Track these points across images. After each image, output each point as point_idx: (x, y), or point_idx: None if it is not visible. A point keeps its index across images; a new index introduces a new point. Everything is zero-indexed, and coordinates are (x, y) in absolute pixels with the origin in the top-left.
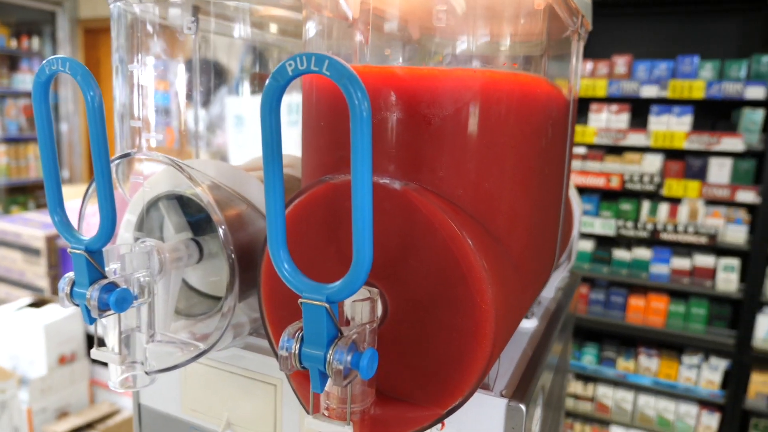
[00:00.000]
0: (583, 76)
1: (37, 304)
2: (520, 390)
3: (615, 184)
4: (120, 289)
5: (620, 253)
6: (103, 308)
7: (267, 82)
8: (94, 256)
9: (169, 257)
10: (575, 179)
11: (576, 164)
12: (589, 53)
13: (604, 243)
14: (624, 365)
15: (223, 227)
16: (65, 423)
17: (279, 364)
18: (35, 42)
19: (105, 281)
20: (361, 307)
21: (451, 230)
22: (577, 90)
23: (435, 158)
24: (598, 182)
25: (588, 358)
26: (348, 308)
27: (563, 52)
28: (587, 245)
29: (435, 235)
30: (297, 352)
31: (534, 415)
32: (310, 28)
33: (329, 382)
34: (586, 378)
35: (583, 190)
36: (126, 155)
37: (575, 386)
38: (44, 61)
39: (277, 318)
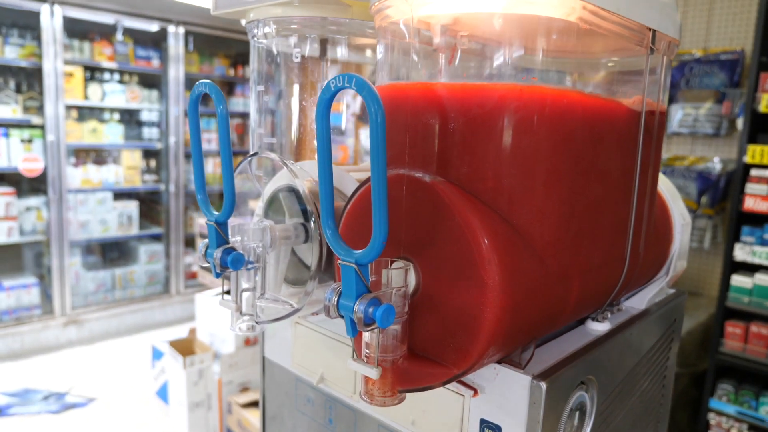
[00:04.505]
0: None
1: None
2: (548, 373)
3: None
4: (235, 253)
5: None
6: (224, 266)
7: (318, 95)
8: (222, 227)
9: (279, 235)
10: None
11: None
12: None
13: None
14: None
15: (314, 216)
16: (245, 396)
17: (323, 312)
18: (248, 70)
19: (227, 246)
20: (389, 274)
21: (465, 216)
22: (661, 102)
23: (459, 158)
24: None
25: (767, 410)
26: (384, 274)
27: (628, 67)
28: None
29: (453, 220)
30: (335, 303)
31: (569, 400)
32: (380, 51)
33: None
34: None
35: None
36: (254, 154)
37: None
38: (195, 85)
39: None
